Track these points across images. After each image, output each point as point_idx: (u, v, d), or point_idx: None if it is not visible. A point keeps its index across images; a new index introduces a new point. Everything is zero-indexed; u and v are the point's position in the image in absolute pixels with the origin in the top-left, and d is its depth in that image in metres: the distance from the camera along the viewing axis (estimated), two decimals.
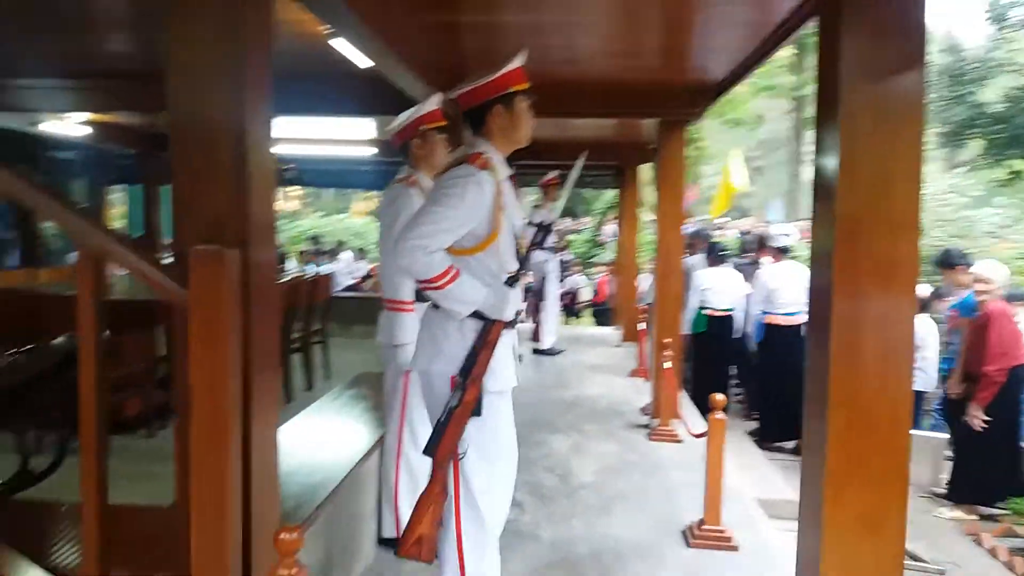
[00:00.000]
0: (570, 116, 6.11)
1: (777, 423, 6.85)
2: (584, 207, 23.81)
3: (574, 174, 2.96)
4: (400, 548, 2.38)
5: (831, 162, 1.90)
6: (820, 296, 1.96)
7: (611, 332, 9.59)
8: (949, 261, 5.91)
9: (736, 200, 17.01)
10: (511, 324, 2.45)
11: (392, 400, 3.14)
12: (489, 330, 2.36)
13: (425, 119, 3.15)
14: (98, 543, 1.96)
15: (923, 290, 6.85)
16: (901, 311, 1.85)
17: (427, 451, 2.36)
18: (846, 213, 1.86)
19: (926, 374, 6.39)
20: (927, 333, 6.46)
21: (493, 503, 2.46)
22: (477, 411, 2.34)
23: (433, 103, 3.13)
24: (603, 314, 13.43)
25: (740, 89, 15.13)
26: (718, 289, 7.46)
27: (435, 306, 2.42)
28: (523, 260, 2.49)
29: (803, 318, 6.59)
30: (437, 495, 2.36)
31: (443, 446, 2.33)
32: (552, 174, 7.75)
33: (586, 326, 13.15)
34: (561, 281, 9.58)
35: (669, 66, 4.86)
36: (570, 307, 13.16)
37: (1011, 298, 5.58)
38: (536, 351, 7.73)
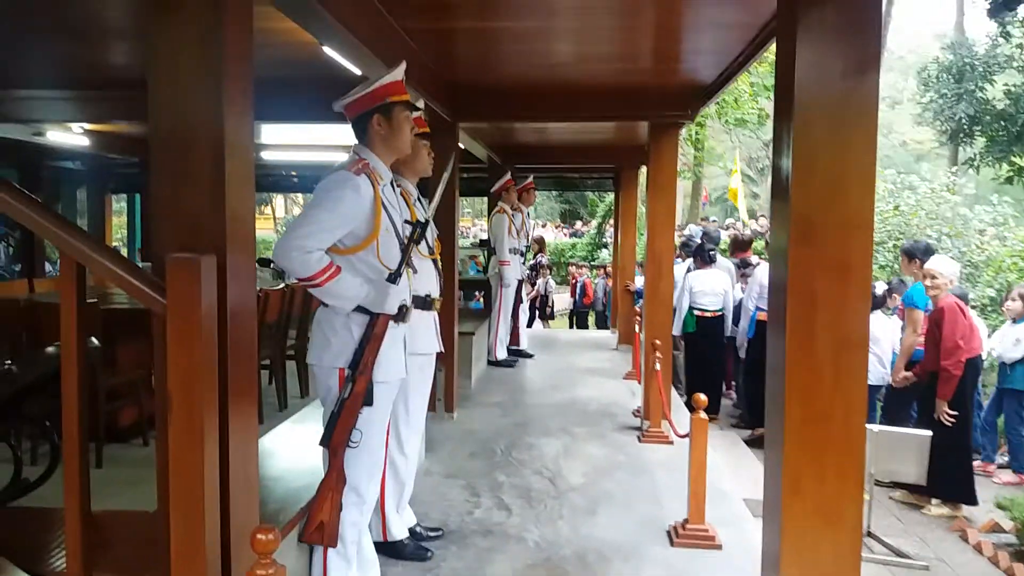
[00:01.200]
0: (563, 120, 6.16)
1: (761, 411, 6.88)
2: (588, 210, 23.86)
3: (446, 176, 3.16)
4: (303, 534, 2.55)
5: (786, 163, 1.93)
6: (776, 294, 2.00)
7: (608, 335, 9.63)
8: (913, 253, 5.97)
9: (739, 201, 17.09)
10: (399, 317, 2.61)
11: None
12: (374, 324, 2.53)
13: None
14: (81, 547, 2.01)
15: (878, 287, 6.96)
16: (854, 309, 1.88)
17: (322, 442, 2.54)
18: (800, 213, 1.90)
19: (880, 368, 6.46)
20: (881, 328, 6.52)
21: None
22: (368, 401, 2.52)
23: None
24: (585, 316, 13.33)
25: (742, 90, 15.13)
26: (707, 291, 7.53)
27: (324, 303, 2.58)
28: (404, 256, 2.65)
29: None
30: (335, 482, 2.53)
31: (336, 435, 2.51)
32: (529, 179, 7.81)
33: (559, 328, 13.08)
34: (532, 284, 9.58)
35: (659, 69, 4.90)
36: (541, 309, 13.02)
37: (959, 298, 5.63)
38: (512, 352, 7.69)
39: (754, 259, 7.72)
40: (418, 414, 3.26)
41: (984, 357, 6.32)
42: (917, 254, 5.92)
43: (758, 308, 6.96)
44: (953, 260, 6.00)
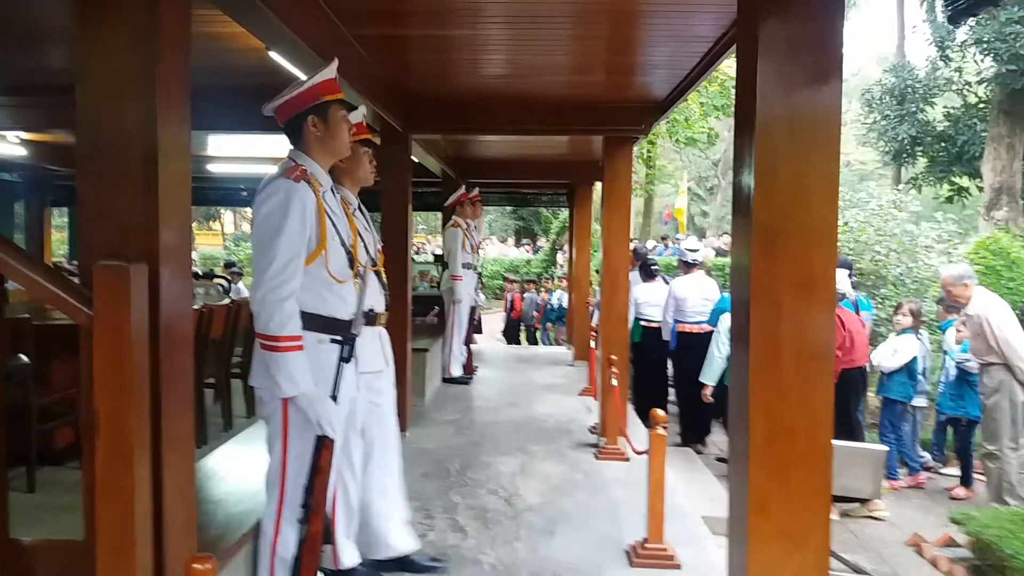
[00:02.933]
0: (518, 133, 6.10)
1: (694, 425, 7.20)
2: (542, 226, 23.90)
3: None
4: None
5: (747, 176, 1.88)
6: (739, 309, 1.94)
7: (564, 351, 9.58)
8: None
9: (690, 220, 17.42)
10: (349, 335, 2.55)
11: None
12: (320, 454, 2.43)
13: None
14: None
15: None
16: (819, 322, 1.83)
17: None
18: (763, 225, 1.84)
19: None
20: None
21: None
22: (328, 540, 2.64)
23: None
24: (515, 331, 13.19)
25: (692, 109, 15.34)
26: (652, 302, 7.64)
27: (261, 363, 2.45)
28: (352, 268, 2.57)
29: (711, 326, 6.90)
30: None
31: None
32: (475, 191, 7.73)
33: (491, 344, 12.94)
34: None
35: (614, 82, 4.89)
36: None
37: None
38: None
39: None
40: None
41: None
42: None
43: (676, 320, 7.13)
44: (842, 271, 6.03)
